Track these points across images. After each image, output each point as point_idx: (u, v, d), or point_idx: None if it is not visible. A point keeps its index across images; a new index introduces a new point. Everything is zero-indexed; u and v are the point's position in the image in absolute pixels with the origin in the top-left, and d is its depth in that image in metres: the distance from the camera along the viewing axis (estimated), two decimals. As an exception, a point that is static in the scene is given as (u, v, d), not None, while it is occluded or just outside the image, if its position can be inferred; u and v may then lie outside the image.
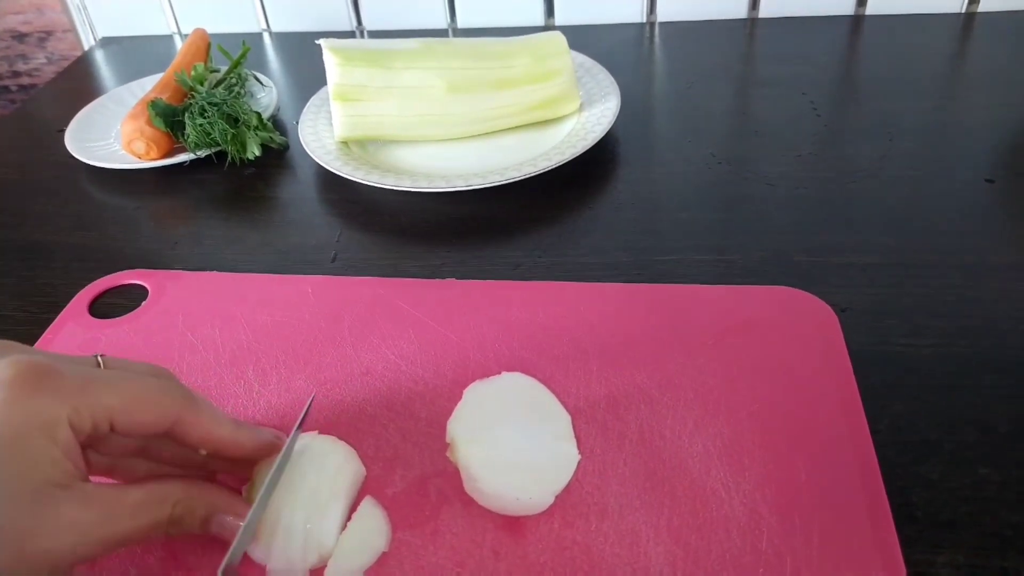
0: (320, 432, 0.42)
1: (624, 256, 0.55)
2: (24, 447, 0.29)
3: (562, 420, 0.42)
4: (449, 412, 0.43)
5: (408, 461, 0.41)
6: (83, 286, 0.56)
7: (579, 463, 0.40)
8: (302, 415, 0.39)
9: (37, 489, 0.29)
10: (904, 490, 0.38)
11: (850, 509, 0.36)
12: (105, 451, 0.35)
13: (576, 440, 0.41)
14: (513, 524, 0.37)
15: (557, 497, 0.38)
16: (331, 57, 0.64)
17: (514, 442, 0.40)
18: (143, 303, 0.54)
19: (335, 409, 0.44)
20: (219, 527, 0.35)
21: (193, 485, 0.35)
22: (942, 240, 0.54)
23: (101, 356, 0.35)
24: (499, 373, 0.45)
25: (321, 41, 0.66)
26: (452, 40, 0.69)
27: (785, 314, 0.47)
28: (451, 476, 0.40)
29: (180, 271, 0.57)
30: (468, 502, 0.38)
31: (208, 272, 0.56)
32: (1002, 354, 0.45)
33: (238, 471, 0.38)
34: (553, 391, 0.43)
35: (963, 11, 0.85)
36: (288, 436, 0.38)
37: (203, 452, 0.36)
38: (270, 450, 0.37)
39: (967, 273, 0.51)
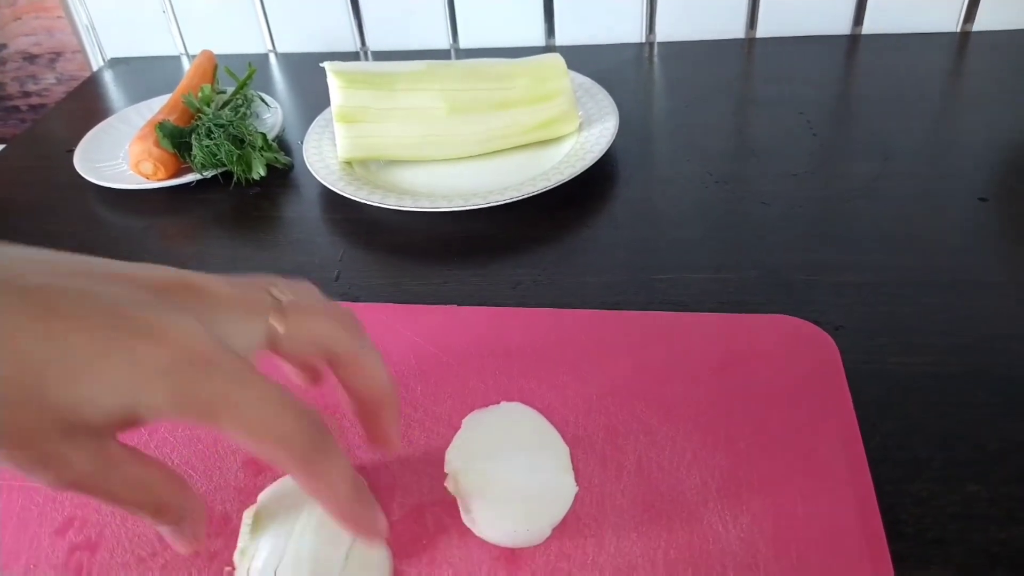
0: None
1: (622, 275, 0.56)
2: (109, 398, 0.27)
3: (560, 451, 0.42)
4: (447, 440, 0.43)
5: (406, 489, 0.41)
6: (91, 305, 0.57)
7: (576, 494, 0.40)
8: None
9: (72, 423, 0.27)
10: (894, 507, 0.39)
11: (848, 545, 0.37)
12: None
13: (574, 471, 0.41)
14: (510, 555, 0.38)
15: (554, 528, 0.38)
16: (334, 79, 0.66)
17: (512, 474, 0.40)
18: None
19: (333, 435, 0.44)
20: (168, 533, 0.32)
21: (183, 497, 0.31)
22: (936, 258, 0.55)
23: (279, 303, 0.32)
24: (498, 402, 0.45)
25: (325, 64, 0.67)
26: (453, 62, 0.71)
27: (785, 344, 0.47)
28: (449, 505, 0.40)
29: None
30: (466, 532, 0.39)
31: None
32: (993, 372, 0.46)
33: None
34: (552, 420, 0.44)
35: (958, 30, 0.86)
36: None
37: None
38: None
39: (960, 291, 0.52)
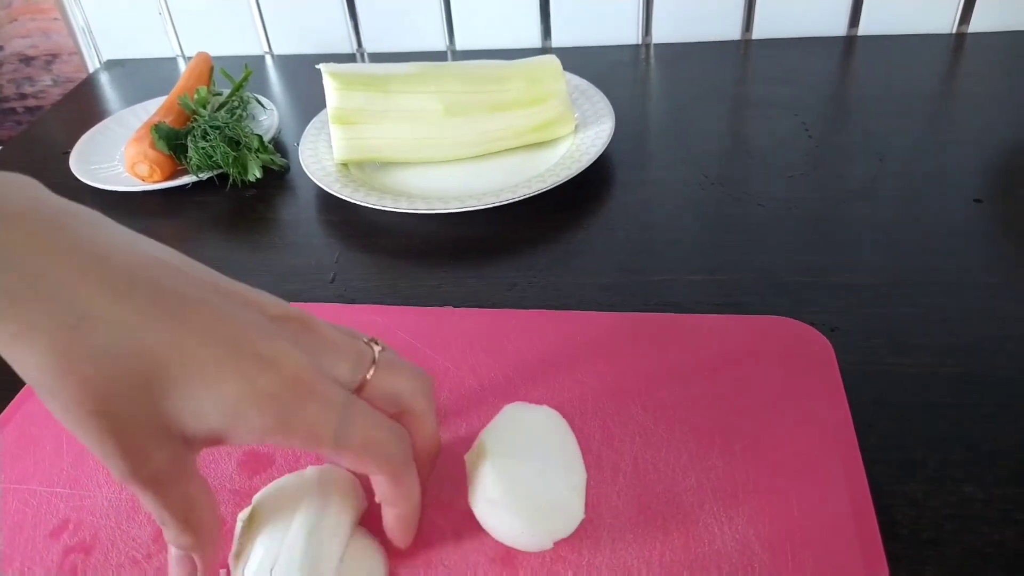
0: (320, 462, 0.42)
1: (617, 276, 0.56)
2: (214, 410, 0.29)
3: (581, 474, 0.40)
4: (443, 442, 0.42)
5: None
6: (86, 307, 0.57)
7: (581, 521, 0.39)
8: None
9: (169, 425, 0.29)
10: (889, 508, 0.39)
11: (843, 545, 0.37)
12: None
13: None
14: (506, 557, 0.38)
15: (556, 543, 0.38)
16: (330, 81, 0.66)
17: (537, 476, 0.38)
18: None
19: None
20: (176, 558, 0.34)
21: (214, 525, 0.34)
22: (931, 259, 0.55)
23: (380, 349, 0.35)
24: (494, 403, 0.44)
25: (321, 65, 0.67)
26: (449, 64, 0.71)
27: (781, 345, 0.48)
28: (444, 507, 0.40)
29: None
30: (462, 534, 0.39)
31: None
32: (988, 373, 0.46)
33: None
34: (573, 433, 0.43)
35: (954, 31, 0.86)
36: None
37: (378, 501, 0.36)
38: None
39: (955, 292, 0.52)
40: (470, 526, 0.39)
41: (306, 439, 0.31)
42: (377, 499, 0.36)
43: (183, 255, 0.32)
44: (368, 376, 0.34)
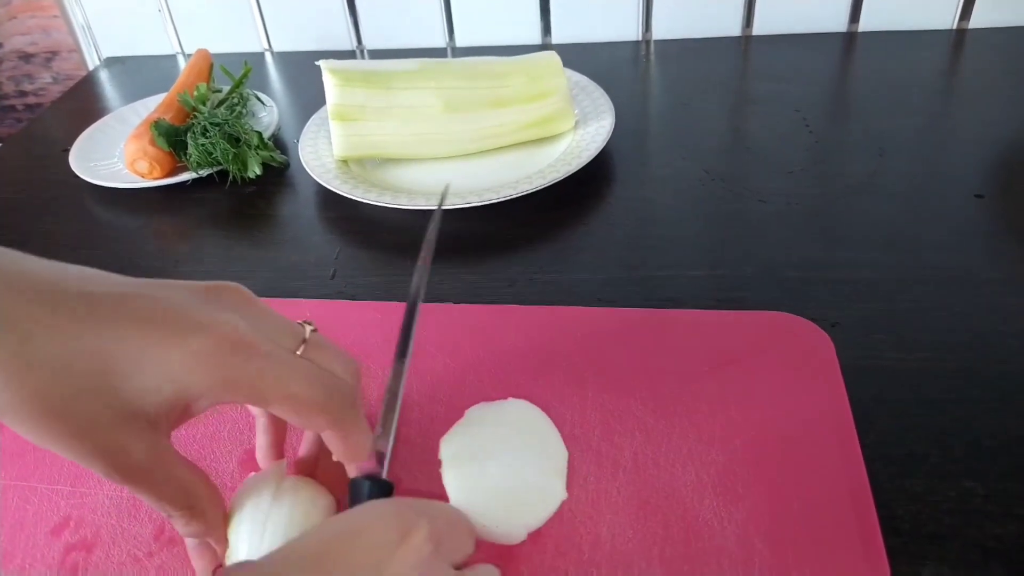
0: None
1: (618, 272, 0.56)
2: (169, 387, 0.31)
3: (558, 455, 0.41)
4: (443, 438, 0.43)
5: (400, 487, 0.41)
6: (87, 304, 0.57)
7: (570, 491, 0.40)
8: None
9: (133, 412, 0.30)
10: (890, 503, 0.39)
11: (843, 540, 0.37)
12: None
13: (569, 467, 0.41)
14: (506, 552, 0.38)
15: (530, 532, 0.38)
16: (330, 78, 0.66)
17: (496, 472, 0.40)
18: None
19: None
20: (194, 548, 0.36)
21: (218, 504, 0.35)
22: (931, 255, 0.55)
23: (312, 329, 0.36)
24: (497, 399, 0.45)
25: (320, 62, 0.67)
26: (448, 60, 0.71)
27: (781, 340, 0.48)
28: (442, 501, 0.40)
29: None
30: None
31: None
32: (988, 368, 0.46)
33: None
34: (548, 417, 0.44)
35: (954, 27, 0.86)
36: None
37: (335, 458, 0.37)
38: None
39: (956, 288, 0.52)
40: None
41: (251, 394, 0.32)
42: (335, 457, 0.37)
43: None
44: (299, 353, 0.35)
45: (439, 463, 0.42)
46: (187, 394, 0.31)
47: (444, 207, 0.61)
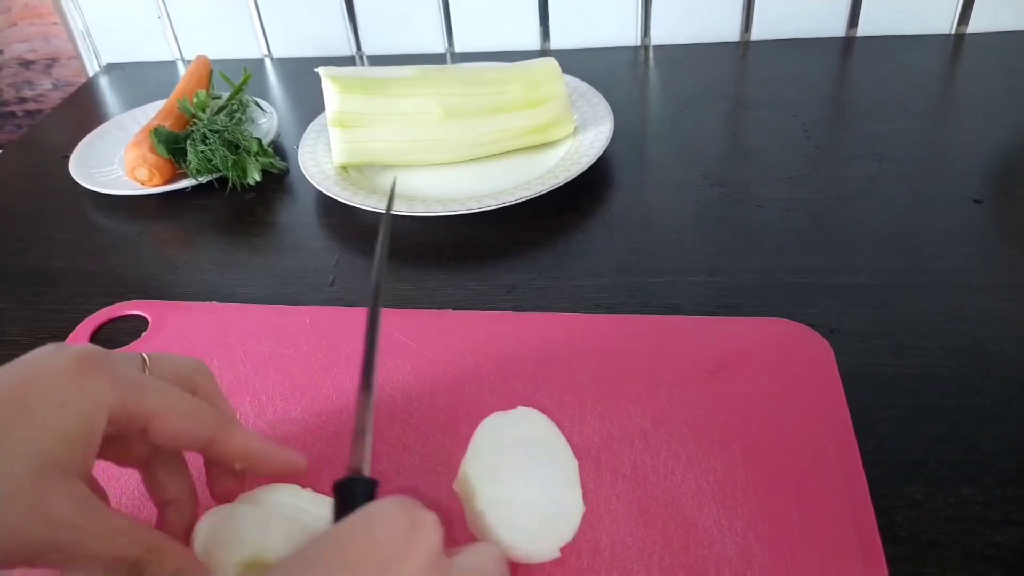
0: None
1: (617, 278, 0.56)
2: (57, 416, 0.30)
3: (570, 465, 0.41)
4: (443, 445, 0.43)
5: (402, 495, 0.41)
6: (87, 311, 0.57)
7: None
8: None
9: (40, 464, 0.29)
10: (888, 510, 0.39)
11: (842, 547, 0.37)
12: (118, 455, 0.36)
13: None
14: (509, 564, 0.37)
15: (562, 548, 0.38)
16: (330, 85, 0.66)
17: (524, 489, 0.39)
18: (143, 334, 0.54)
19: (331, 442, 0.44)
20: None
21: (171, 540, 0.33)
22: (930, 261, 0.55)
23: (145, 354, 0.36)
24: (496, 406, 0.45)
25: (320, 69, 0.67)
26: (447, 67, 0.71)
27: (780, 347, 0.47)
28: (445, 510, 0.39)
29: (180, 302, 0.58)
30: (459, 541, 0.38)
31: (208, 303, 0.57)
32: (987, 374, 0.46)
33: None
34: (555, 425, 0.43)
35: (953, 32, 0.86)
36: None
37: (238, 466, 0.36)
38: (297, 468, 0.37)
39: (954, 293, 0.52)
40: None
41: (121, 410, 0.32)
42: (238, 468, 0.36)
43: None
44: (147, 368, 0.36)
45: (448, 476, 0.41)
46: (89, 422, 0.31)
47: (446, 213, 0.61)
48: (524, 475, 0.39)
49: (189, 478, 0.38)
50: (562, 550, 0.38)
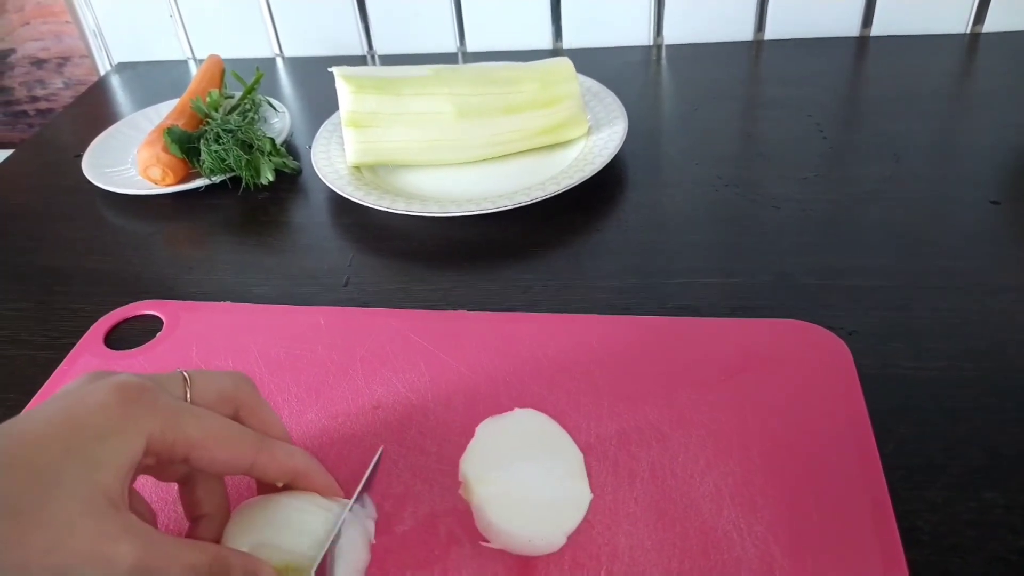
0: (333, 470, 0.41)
1: (632, 279, 0.56)
2: (102, 450, 0.30)
3: (574, 458, 0.42)
4: (459, 447, 0.43)
5: (418, 498, 0.41)
6: (100, 310, 0.57)
7: (591, 502, 0.40)
8: (369, 472, 0.39)
9: (100, 501, 0.29)
10: (910, 514, 0.39)
11: (863, 551, 0.36)
12: (159, 472, 0.37)
13: (588, 478, 0.41)
14: (523, 566, 0.37)
15: (568, 537, 0.38)
16: (343, 85, 0.66)
17: (527, 481, 0.40)
18: (158, 334, 0.54)
19: (347, 444, 0.44)
20: None
21: (228, 548, 0.34)
22: (948, 262, 0.54)
23: (185, 372, 0.37)
24: (510, 408, 0.45)
25: (333, 69, 0.67)
26: (461, 66, 0.71)
27: (798, 349, 0.47)
28: (461, 515, 0.40)
29: (194, 302, 0.58)
30: (478, 542, 0.39)
31: (222, 303, 0.57)
32: (1008, 376, 0.45)
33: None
34: (564, 426, 0.44)
35: (968, 31, 0.85)
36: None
37: (280, 484, 0.37)
38: (332, 492, 0.38)
39: (973, 295, 0.51)
40: (482, 549, 0.39)
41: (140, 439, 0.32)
42: (280, 485, 0.37)
43: None
44: (188, 388, 0.36)
45: (458, 481, 0.42)
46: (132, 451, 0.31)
47: (459, 213, 0.61)
48: (521, 469, 0.41)
49: (225, 496, 0.38)
50: (579, 555, 0.38)
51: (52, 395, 0.33)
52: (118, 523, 0.30)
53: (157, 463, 0.34)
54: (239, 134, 0.70)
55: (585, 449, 0.42)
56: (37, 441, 0.30)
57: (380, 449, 0.41)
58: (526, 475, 0.41)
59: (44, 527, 0.28)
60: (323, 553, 0.34)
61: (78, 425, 0.31)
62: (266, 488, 0.38)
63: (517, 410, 0.45)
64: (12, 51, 1.04)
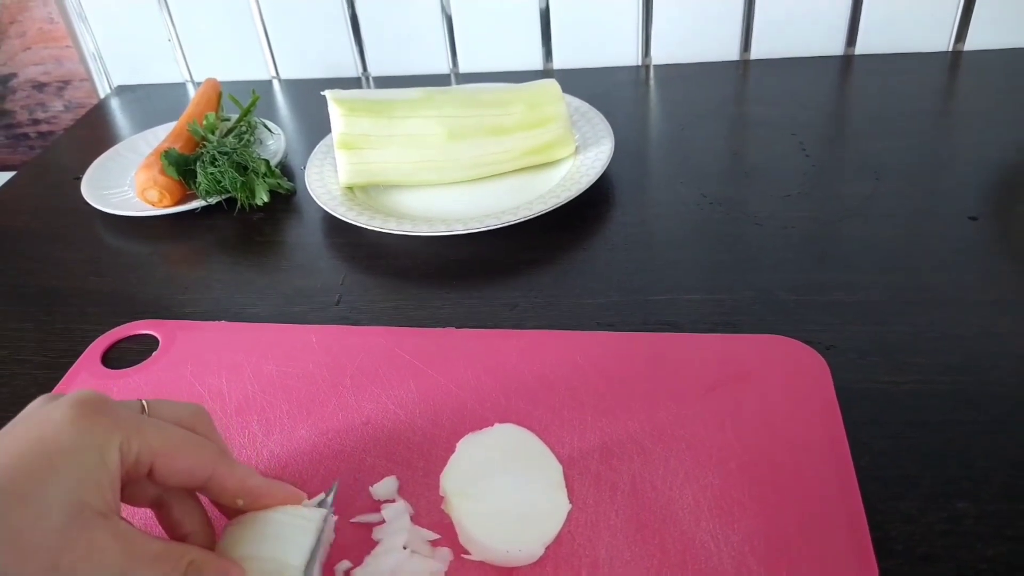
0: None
1: (617, 296, 0.57)
2: (77, 463, 0.31)
3: (553, 470, 0.43)
4: (444, 462, 0.44)
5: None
6: (98, 330, 0.58)
7: (570, 513, 0.41)
8: (330, 497, 0.40)
9: (78, 510, 0.31)
10: (883, 524, 0.40)
11: (837, 561, 0.37)
12: (129, 497, 0.37)
13: (568, 490, 0.42)
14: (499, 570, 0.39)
15: (548, 548, 0.39)
16: (335, 108, 0.67)
17: (504, 494, 0.41)
18: (154, 353, 0.56)
19: (336, 459, 0.46)
20: None
21: (207, 552, 0.35)
22: (926, 278, 0.56)
23: (145, 401, 0.37)
24: (497, 423, 0.46)
25: (326, 92, 0.69)
26: (451, 89, 0.72)
27: (777, 364, 0.48)
28: (447, 528, 0.41)
29: (190, 321, 0.59)
30: (462, 554, 0.40)
31: (216, 322, 0.59)
32: (981, 390, 0.47)
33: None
34: (547, 441, 0.45)
35: (950, 49, 0.87)
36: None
37: (240, 502, 0.37)
38: (297, 499, 0.39)
39: (950, 310, 0.52)
40: (464, 561, 0.40)
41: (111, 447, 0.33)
42: (240, 504, 0.38)
43: None
44: (145, 411, 0.37)
45: (441, 498, 0.43)
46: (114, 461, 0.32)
47: (449, 232, 0.62)
48: (498, 482, 0.42)
49: (203, 511, 0.39)
50: (561, 565, 0.38)
51: (9, 423, 0.34)
52: (103, 526, 0.31)
53: (126, 483, 0.35)
54: (235, 156, 0.72)
55: (567, 463, 0.44)
56: (14, 464, 0.31)
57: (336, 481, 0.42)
58: (504, 488, 0.42)
59: (41, 550, 0.29)
60: (308, 559, 0.36)
61: (49, 444, 0.32)
62: (229, 512, 0.39)
63: (497, 425, 0.46)
64: (14, 75, 1.06)
